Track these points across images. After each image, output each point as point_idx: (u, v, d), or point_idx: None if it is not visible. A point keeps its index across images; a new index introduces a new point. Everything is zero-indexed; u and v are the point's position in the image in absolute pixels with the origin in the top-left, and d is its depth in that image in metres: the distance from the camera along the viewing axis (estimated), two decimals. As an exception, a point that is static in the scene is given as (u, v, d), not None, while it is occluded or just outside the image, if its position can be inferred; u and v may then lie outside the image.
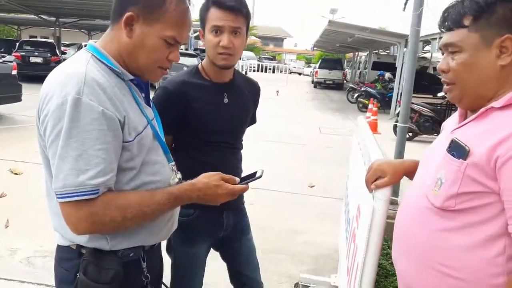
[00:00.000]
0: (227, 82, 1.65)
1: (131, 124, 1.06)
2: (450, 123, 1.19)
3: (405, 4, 4.00)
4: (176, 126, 1.59)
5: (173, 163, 1.26)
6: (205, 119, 1.58)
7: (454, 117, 1.19)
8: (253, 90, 1.79)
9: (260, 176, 1.29)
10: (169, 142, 1.64)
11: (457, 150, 0.99)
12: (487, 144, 0.93)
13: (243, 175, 1.43)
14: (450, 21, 1.04)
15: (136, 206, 1.04)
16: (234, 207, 1.74)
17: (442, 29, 1.08)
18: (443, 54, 1.10)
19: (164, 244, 1.31)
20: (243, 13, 1.50)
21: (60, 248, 1.14)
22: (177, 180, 1.24)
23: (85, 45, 1.17)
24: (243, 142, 1.82)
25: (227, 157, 1.67)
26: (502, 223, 0.94)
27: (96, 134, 0.97)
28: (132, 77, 1.12)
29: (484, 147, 0.94)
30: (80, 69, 1.02)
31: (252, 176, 1.30)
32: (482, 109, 1.01)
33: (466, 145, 0.97)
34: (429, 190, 1.05)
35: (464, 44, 1.02)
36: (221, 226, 1.71)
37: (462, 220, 0.98)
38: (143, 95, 1.20)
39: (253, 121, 1.87)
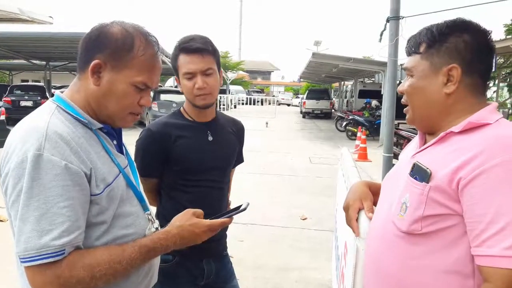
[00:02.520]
0: (209, 121, 1.67)
1: (99, 176, 1.02)
2: (410, 149, 1.21)
3: (381, 35, 4.13)
4: (161, 168, 1.59)
5: (149, 211, 1.20)
6: (191, 156, 1.58)
7: (414, 142, 1.21)
8: (237, 129, 1.81)
9: (245, 209, 1.23)
10: (154, 186, 1.64)
11: (419, 173, 1.00)
12: (449, 167, 0.95)
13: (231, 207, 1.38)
14: (409, 47, 1.12)
15: (105, 264, 0.97)
16: (216, 254, 1.69)
17: (406, 54, 1.16)
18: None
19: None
20: (209, 51, 1.54)
21: None
22: (153, 229, 1.17)
23: None
24: (229, 179, 1.78)
25: (213, 196, 1.65)
26: (467, 247, 0.94)
27: (59, 191, 0.92)
28: (100, 126, 1.09)
29: (446, 169, 0.95)
30: (41, 123, 0.98)
31: (236, 209, 1.24)
32: (441, 134, 1.03)
33: (427, 168, 0.98)
34: (394, 215, 1.05)
35: (415, 69, 1.08)
36: (202, 274, 1.65)
37: (429, 244, 0.98)
38: (115, 142, 1.16)
39: (240, 160, 1.87)
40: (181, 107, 1.69)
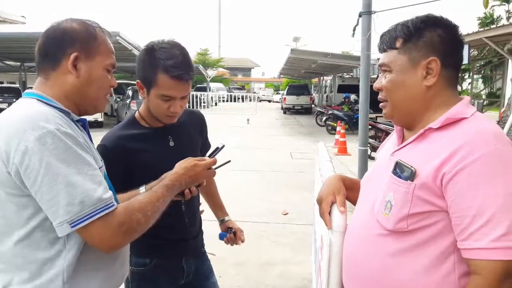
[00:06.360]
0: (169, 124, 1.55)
1: (96, 156, 1.13)
2: (388, 146, 1.21)
3: (354, 30, 4.20)
4: (123, 183, 1.42)
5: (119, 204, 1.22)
6: (153, 169, 1.41)
7: (391, 139, 1.21)
8: (197, 121, 1.73)
9: (223, 147, 1.43)
10: None
11: (403, 171, 1.01)
12: (432, 164, 0.96)
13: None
14: (384, 43, 1.12)
15: (149, 204, 1.10)
16: (194, 253, 1.68)
17: (379, 51, 1.16)
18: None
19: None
20: (191, 77, 1.46)
21: None
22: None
23: None
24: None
25: (183, 201, 1.54)
26: (449, 241, 0.96)
27: (85, 158, 1.01)
28: (78, 118, 1.15)
29: (429, 166, 0.97)
30: (40, 108, 1.03)
31: (215, 151, 1.44)
32: (420, 131, 1.05)
33: (411, 166, 0.99)
34: (379, 214, 1.05)
35: (393, 64, 1.09)
36: (182, 273, 1.63)
37: (413, 241, 0.99)
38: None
39: (206, 148, 1.77)
40: (137, 112, 1.58)
